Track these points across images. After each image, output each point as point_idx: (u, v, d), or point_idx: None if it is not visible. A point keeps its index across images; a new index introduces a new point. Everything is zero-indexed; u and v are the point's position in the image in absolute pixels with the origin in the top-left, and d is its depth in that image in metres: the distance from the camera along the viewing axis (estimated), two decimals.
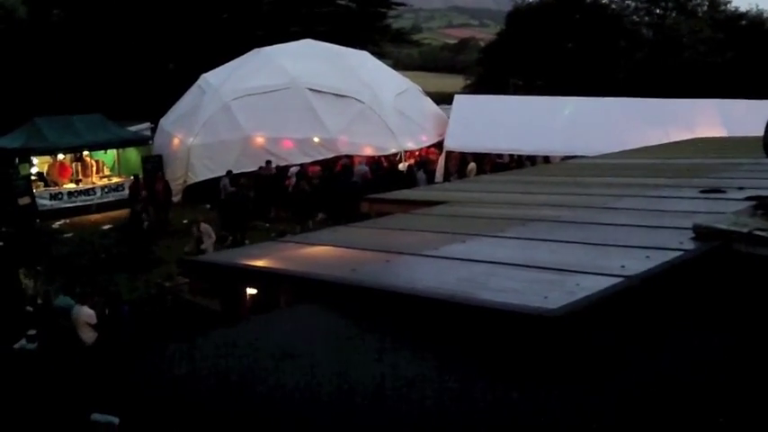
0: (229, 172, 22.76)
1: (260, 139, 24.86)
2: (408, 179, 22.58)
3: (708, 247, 4.28)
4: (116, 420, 2.81)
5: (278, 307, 4.94)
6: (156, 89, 36.83)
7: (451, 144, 26.46)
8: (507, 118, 26.68)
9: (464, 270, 4.26)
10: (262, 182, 22.92)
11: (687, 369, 3.15)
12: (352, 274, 4.24)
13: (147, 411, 3.05)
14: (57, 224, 22.67)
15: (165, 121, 27.68)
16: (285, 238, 8.81)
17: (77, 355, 11.50)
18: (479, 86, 52.80)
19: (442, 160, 26.31)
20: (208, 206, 23.36)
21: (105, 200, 24.62)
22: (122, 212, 23.09)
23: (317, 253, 5.63)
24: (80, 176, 25.43)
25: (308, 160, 25.01)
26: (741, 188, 6.66)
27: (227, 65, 28.95)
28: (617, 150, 15.61)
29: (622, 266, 3.87)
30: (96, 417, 2.85)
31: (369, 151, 25.86)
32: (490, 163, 25.40)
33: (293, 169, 24.24)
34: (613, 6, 52.75)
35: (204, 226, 16.57)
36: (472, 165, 25.17)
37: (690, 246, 4.34)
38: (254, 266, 5.09)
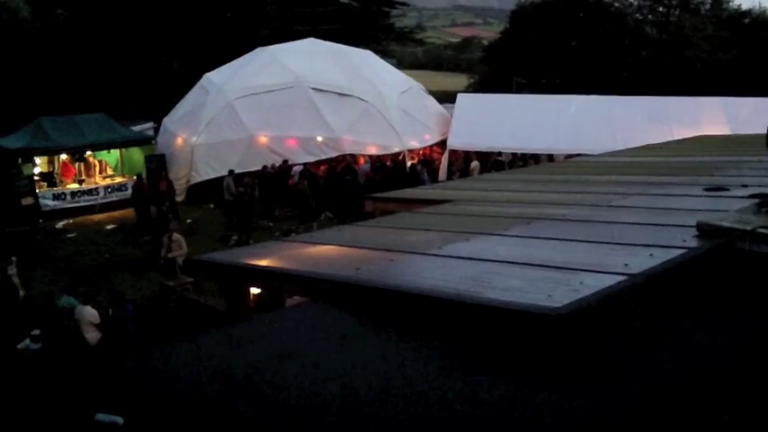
0: (231, 171, 22.78)
1: (263, 139, 24.88)
2: (412, 178, 22.60)
3: (711, 245, 4.27)
4: (120, 420, 2.81)
5: (282, 306, 4.94)
6: (159, 88, 36.94)
7: (455, 143, 26.47)
8: (511, 116, 26.69)
9: (468, 269, 4.26)
10: (266, 181, 22.97)
11: (691, 367, 3.15)
12: (356, 273, 4.23)
13: (152, 411, 3.05)
14: (60, 224, 22.72)
15: (168, 121, 27.72)
16: (289, 237, 8.82)
17: (81, 355, 11.52)
18: (483, 85, 52.92)
19: (445, 159, 26.31)
20: (211, 206, 23.40)
21: (109, 200, 24.66)
22: (126, 212, 23.17)
23: (321, 252, 5.63)
24: (83, 176, 25.47)
25: (312, 159, 25.04)
26: (745, 186, 6.65)
27: (230, 64, 28.98)
28: (621, 148, 15.60)
29: (626, 265, 3.86)
30: (100, 417, 2.85)
31: (372, 150, 25.86)
32: (493, 161, 25.39)
33: (296, 168, 24.27)
34: (617, 4, 52.70)
35: (176, 236, 15.84)
36: (475, 163, 25.18)
37: (693, 244, 4.33)
38: (258, 266, 5.09)
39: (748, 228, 4.19)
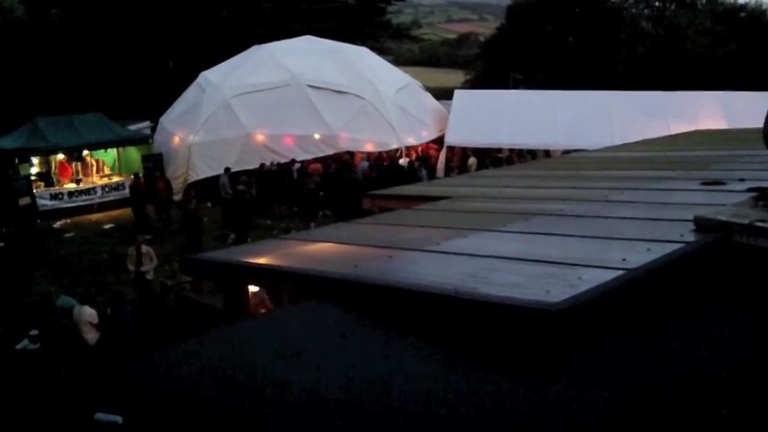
0: (227, 169, 22.75)
1: (261, 137, 24.88)
2: (410, 175, 22.60)
3: (709, 239, 4.27)
4: (119, 420, 2.81)
5: (281, 304, 4.94)
6: (155, 87, 36.89)
7: (452, 139, 26.48)
8: (508, 112, 26.71)
9: (466, 265, 4.26)
10: (267, 179, 22.98)
11: (689, 361, 3.15)
12: (354, 271, 4.23)
13: (151, 411, 3.05)
14: (58, 224, 22.71)
15: (165, 120, 27.70)
16: (288, 235, 8.82)
17: (80, 356, 11.51)
18: (480, 81, 52.91)
19: (442, 155, 26.32)
20: (209, 204, 23.38)
21: (106, 199, 24.66)
22: (124, 212, 23.15)
23: (319, 250, 5.63)
24: (80, 176, 25.44)
25: (309, 157, 25.03)
26: (742, 180, 6.65)
27: (226, 62, 28.96)
28: (618, 143, 15.60)
29: (624, 259, 3.86)
30: (100, 416, 2.85)
31: (370, 147, 25.86)
32: (493, 158, 25.41)
33: (295, 166, 24.28)
34: None
35: (145, 248, 15.34)
36: (473, 159, 25.20)
37: (691, 238, 4.33)
38: (256, 264, 5.09)
39: (746, 222, 4.19)
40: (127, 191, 23.66)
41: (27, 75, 36.28)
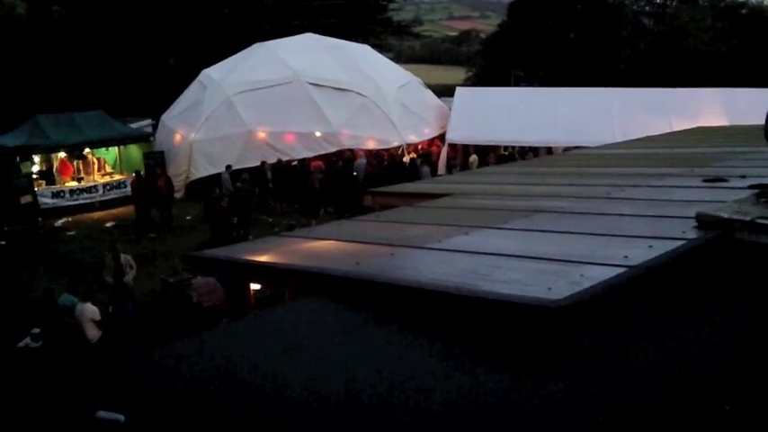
0: (229, 167, 22.75)
1: (262, 134, 24.85)
2: (411, 172, 22.56)
3: (710, 236, 4.27)
4: (122, 418, 2.81)
5: (283, 301, 4.94)
6: (157, 85, 36.85)
7: (454, 136, 26.44)
8: (509, 109, 26.66)
9: (468, 262, 4.26)
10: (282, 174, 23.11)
11: (691, 357, 3.15)
12: (356, 268, 4.23)
13: (153, 408, 3.06)
14: (59, 222, 22.69)
15: (166, 117, 27.67)
16: (291, 232, 8.82)
17: (82, 353, 11.51)
18: (481, 78, 52.79)
19: (444, 153, 26.29)
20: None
21: (107, 197, 24.60)
22: (125, 209, 23.14)
23: (321, 247, 5.63)
24: (82, 174, 25.42)
25: (311, 154, 25.01)
26: (743, 177, 6.64)
27: (228, 59, 28.91)
28: (619, 140, 15.59)
29: (625, 256, 3.86)
30: (102, 414, 2.85)
31: (371, 145, 25.82)
32: (499, 156, 25.37)
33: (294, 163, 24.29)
34: None
35: (125, 257, 14.57)
36: (474, 157, 25.17)
37: (692, 235, 4.33)
38: (258, 261, 5.09)
39: (747, 218, 4.19)
40: (128, 189, 23.61)
41: (28, 72, 36.22)
